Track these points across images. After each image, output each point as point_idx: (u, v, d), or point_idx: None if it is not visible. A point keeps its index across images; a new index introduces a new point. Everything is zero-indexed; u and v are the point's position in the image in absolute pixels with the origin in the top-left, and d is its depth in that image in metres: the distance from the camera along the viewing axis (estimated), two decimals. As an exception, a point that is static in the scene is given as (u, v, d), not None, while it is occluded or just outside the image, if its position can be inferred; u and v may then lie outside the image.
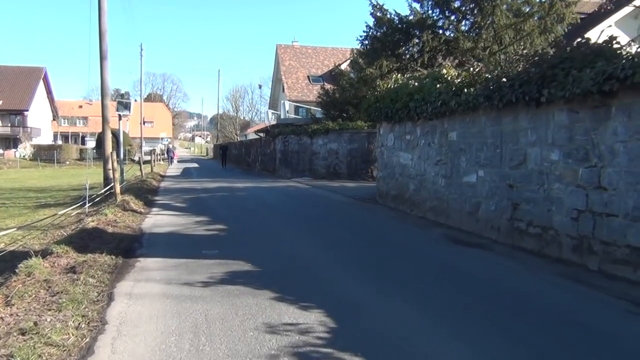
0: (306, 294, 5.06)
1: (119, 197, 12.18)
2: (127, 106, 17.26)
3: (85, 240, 7.84)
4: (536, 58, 7.18)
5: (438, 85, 9.63)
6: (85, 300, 4.77)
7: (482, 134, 8.51)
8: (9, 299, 4.83)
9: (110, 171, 16.47)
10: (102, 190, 14.06)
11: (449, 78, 9.60)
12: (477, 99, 8.19)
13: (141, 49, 52.56)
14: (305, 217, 10.96)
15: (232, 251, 7.18)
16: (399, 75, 12.41)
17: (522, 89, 7.11)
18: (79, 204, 12.81)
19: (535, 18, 13.51)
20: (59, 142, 71.86)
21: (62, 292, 5.00)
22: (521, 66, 7.64)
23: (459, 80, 9.15)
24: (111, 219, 9.59)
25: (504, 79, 7.62)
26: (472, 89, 8.50)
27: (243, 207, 12.63)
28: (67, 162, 54.25)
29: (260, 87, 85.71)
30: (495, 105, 7.71)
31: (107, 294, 5.12)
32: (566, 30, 14.12)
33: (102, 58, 16.38)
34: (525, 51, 8.63)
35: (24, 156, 57.73)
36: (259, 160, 32.81)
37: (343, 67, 46.63)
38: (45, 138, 69.13)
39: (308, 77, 47.30)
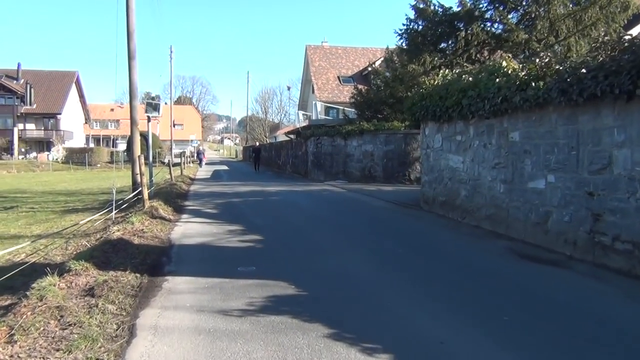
0: (367, 328, 4.14)
1: (147, 203, 11.48)
2: (156, 108, 16.61)
3: (108, 254, 7.07)
4: (626, 44, 6.10)
5: (497, 80, 8.59)
6: (101, 337, 3.94)
7: (552, 133, 7.43)
8: (12, 332, 4.04)
9: (138, 175, 15.88)
10: (130, 195, 13.40)
11: (509, 71, 8.55)
12: (549, 94, 7.13)
13: (171, 51, 52.52)
14: (346, 226, 10.03)
15: (270, 268, 6.31)
16: (447, 70, 11.38)
17: (608, 81, 6.04)
18: (105, 210, 12.19)
19: (597, 7, 12.31)
20: (91, 145, 72.73)
21: (75, 324, 4.19)
22: (603, 55, 6.56)
23: (523, 73, 8.08)
24: (138, 228, 8.84)
25: (583, 70, 6.55)
26: (540, 83, 7.44)
27: (278, 214, 11.79)
28: (99, 165, 54.57)
29: (289, 88, 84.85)
30: (574, 100, 6.64)
31: (128, 326, 4.28)
32: (629, 18, 12.87)
33: (130, 58, 15.78)
34: (606, 38, 7.51)
35: (56, 159, 58.32)
36: (289, 163, 32.04)
37: (375, 66, 45.79)
38: (78, 141, 69.95)
39: (338, 77, 46.44)
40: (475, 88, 9.14)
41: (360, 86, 28.25)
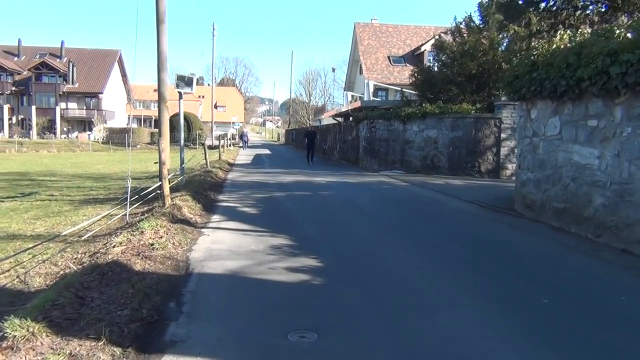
0: None
1: (168, 201, 8.99)
2: (188, 82, 14.15)
3: (90, 292, 4.57)
4: None
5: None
6: None
7: None
8: None
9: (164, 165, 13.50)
10: (154, 186, 11.00)
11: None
12: None
13: (213, 29, 50.37)
14: (433, 244, 7.22)
15: (342, 335, 3.69)
16: (567, 32, 8.38)
17: None
18: (126, 203, 9.86)
19: None
20: (134, 125, 71.81)
21: None
22: None
23: None
24: (146, 242, 6.32)
25: None
26: None
27: (334, 219, 9.10)
28: (138, 146, 53.13)
29: (333, 70, 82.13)
30: None
31: None
32: None
33: (159, 21, 13.29)
34: None
35: (97, 139, 57.36)
36: (337, 149, 29.29)
37: (426, 47, 42.37)
38: (119, 121, 69.08)
39: (388, 57, 43.37)
40: (638, 49, 6.14)
41: (420, 64, 25.11)
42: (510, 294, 4.85)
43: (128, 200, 9.21)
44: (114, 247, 6.14)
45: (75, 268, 5.76)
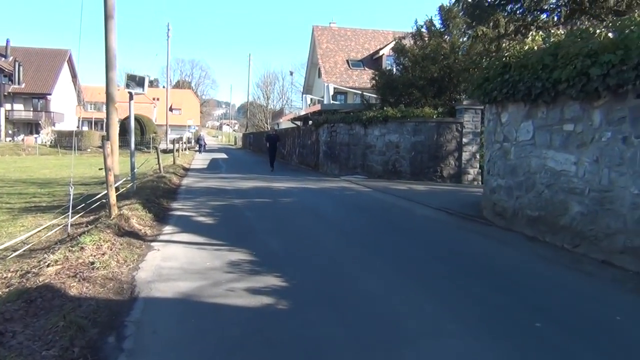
0: None
1: (115, 210, 8.16)
2: (140, 82, 13.23)
3: (12, 325, 3.82)
4: None
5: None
6: None
7: None
8: None
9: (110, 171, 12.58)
10: (101, 194, 10.11)
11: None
12: None
13: (168, 29, 49.10)
14: (403, 255, 6.71)
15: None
16: (540, 33, 8.06)
17: None
18: (70, 212, 8.98)
19: None
20: (85, 128, 69.17)
21: None
22: None
23: None
24: (87, 259, 5.54)
25: None
26: None
27: (297, 229, 8.49)
28: (89, 150, 51.03)
29: (291, 73, 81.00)
30: None
31: None
32: None
33: (108, 17, 12.43)
34: None
35: (44, 142, 54.79)
36: (296, 153, 28.68)
37: (385, 51, 42.41)
38: (69, 124, 66.36)
39: (347, 61, 43.28)
40: (619, 49, 5.81)
41: (380, 68, 24.79)
42: (497, 316, 4.35)
43: (70, 210, 8.33)
44: (48, 266, 5.34)
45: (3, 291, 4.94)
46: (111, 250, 6.17)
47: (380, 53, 42.20)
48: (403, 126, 18.43)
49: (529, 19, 11.33)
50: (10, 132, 59.40)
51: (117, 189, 12.56)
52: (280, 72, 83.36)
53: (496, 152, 9.04)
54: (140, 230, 7.83)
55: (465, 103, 18.07)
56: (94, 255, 5.76)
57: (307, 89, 48.87)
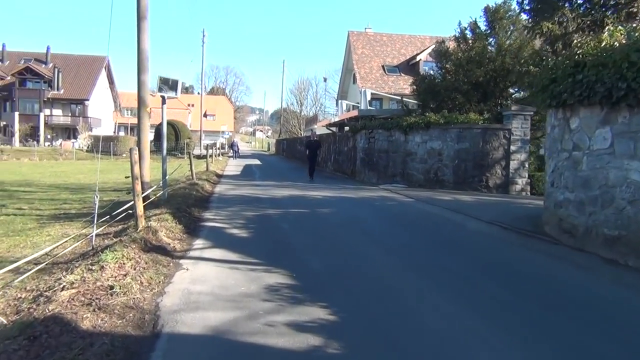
0: None
1: (142, 222, 7.49)
2: (173, 86, 12.70)
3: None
4: None
5: None
6: None
7: None
8: None
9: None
10: (130, 203, 9.50)
11: None
12: None
13: (203, 35, 49.13)
14: (464, 279, 5.80)
15: None
16: (618, 27, 7.08)
17: None
18: (101, 221, 8.42)
19: None
20: (122, 133, 70.00)
21: None
22: None
23: None
24: (105, 282, 4.86)
25: None
26: None
27: (340, 245, 7.66)
28: (124, 155, 51.36)
29: (325, 80, 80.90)
30: None
31: None
32: None
33: (140, 18, 11.89)
34: None
35: (81, 147, 55.53)
36: (331, 160, 27.89)
37: (422, 56, 41.37)
38: (106, 129, 67.33)
39: (383, 67, 42.43)
40: None
41: (416, 74, 23.84)
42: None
43: (94, 220, 7.73)
44: (62, 289, 4.68)
45: (4, 321, 4.27)
46: (135, 269, 5.48)
47: (417, 58, 41.23)
48: (446, 133, 17.45)
49: (598, 15, 10.25)
50: (49, 137, 60.56)
51: (147, 197, 12.03)
52: (314, 78, 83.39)
53: (563, 162, 8.04)
54: (169, 244, 7.14)
55: (514, 108, 16.99)
56: (115, 277, 5.07)
57: (342, 95, 48.17)
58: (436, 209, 12.09)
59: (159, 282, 5.28)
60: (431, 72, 21.85)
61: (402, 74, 41.67)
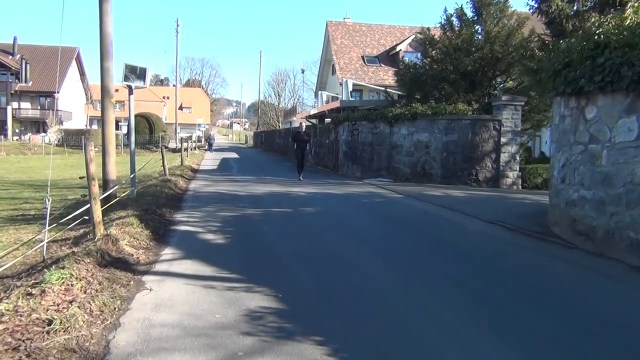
0: None
1: (100, 231, 6.42)
2: (141, 75, 11.52)
3: None
4: None
5: None
6: None
7: None
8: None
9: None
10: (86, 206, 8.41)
11: None
12: None
13: (177, 25, 47.61)
14: (479, 297, 4.93)
15: None
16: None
17: None
18: (54, 225, 7.36)
19: None
20: (94, 126, 67.93)
21: None
22: None
23: None
24: (43, 314, 3.83)
25: None
26: None
27: (330, 253, 6.70)
28: (96, 149, 49.47)
29: (303, 71, 79.31)
30: None
31: None
32: None
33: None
34: None
35: (51, 141, 53.50)
36: (312, 153, 26.88)
37: (402, 46, 40.57)
38: (77, 122, 65.23)
39: (362, 57, 41.54)
40: None
41: (406, 59, 22.93)
42: None
43: (46, 227, 6.65)
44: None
45: None
46: (85, 292, 4.46)
47: (398, 49, 40.40)
48: (434, 124, 16.61)
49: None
50: (17, 130, 58.33)
51: (113, 195, 10.92)
52: (291, 70, 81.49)
53: (577, 156, 7.21)
54: (132, 255, 6.11)
55: (504, 98, 16.22)
56: (57, 305, 4.05)
57: (321, 86, 47.15)
58: (429, 206, 11.24)
59: (114, 309, 4.27)
60: (415, 61, 20.94)
61: (382, 65, 40.88)
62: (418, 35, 40.84)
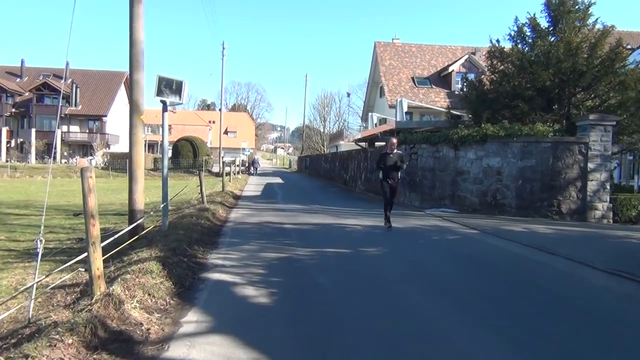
0: None
1: (100, 288, 4.65)
2: (177, 89, 9.95)
3: None
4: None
5: None
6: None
7: None
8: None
9: (137, 200, 9.33)
10: (111, 239, 6.77)
11: None
12: None
13: (223, 48, 46.99)
14: None
15: None
16: None
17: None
18: (64, 266, 5.70)
19: None
20: (140, 150, 68.11)
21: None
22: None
23: None
24: None
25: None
26: None
27: (415, 322, 4.75)
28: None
29: (348, 95, 78.39)
30: None
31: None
32: None
33: (134, 1, 9.30)
34: None
35: (97, 164, 53.63)
36: (361, 179, 24.99)
37: (455, 67, 38.55)
38: (124, 146, 65.51)
39: (412, 78, 39.79)
40: None
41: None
42: None
43: (35, 277, 4.99)
44: None
45: None
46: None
47: (450, 69, 38.49)
48: (507, 147, 14.48)
49: None
50: (65, 153, 58.92)
51: (141, 227, 9.35)
52: (337, 93, 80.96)
53: None
54: (141, 325, 4.33)
55: (592, 117, 13.96)
56: None
57: (368, 109, 45.46)
58: (518, 247, 9.10)
59: None
60: (479, 77, 18.86)
61: (433, 86, 39.01)
62: (472, 55, 39.26)
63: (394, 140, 11.11)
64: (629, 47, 17.74)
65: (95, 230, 4.58)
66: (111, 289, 4.62)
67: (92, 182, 4.59)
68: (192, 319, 4.69)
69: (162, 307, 4.98)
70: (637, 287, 6.23)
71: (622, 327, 4.73)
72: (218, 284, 6.01)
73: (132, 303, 4.67)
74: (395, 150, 11.35)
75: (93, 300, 4.49)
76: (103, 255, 7.18)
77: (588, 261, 7.65)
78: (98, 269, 4.61)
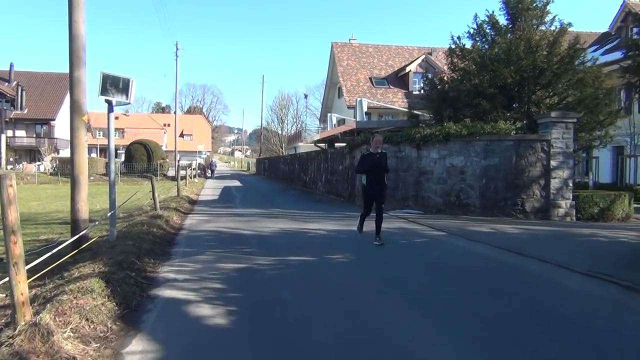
0: None
1: (25, 315, 3.92)
2: (123, 88, 9.12)
3: None
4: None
5: None
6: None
7: None
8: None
9: (79, 209, 8.51)
10: (57, 249, 5.97)
11: None
12: None
13: (177, 48, 45.78)
14: None
15: None
16: None
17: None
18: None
19: None
20: (93, 154, 65.71)
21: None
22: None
23: None
24: None
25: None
26: None
27: (392, 344, 4.24)
28: (92, 178, 47.24)
29: (306, 96, 77.46)
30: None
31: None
32: None
33: (73, -11, 8.47)
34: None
35: (46, 170, 51.25)
36: (322, 180, 24.49)
37: (412, 67, 38.65)
38: (74, 151, 62.95)
39: (370, 79, 39.74)
40: None
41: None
42: None
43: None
44: None
45: None
46: None
47: (407, 69, 38.58)
48: (470, 146, 14.25)
49: None
50: (11, 159, 56.08)
51: (85, 238, 8.55)
52: (294, 94, 79.92)
53: None
54: (74, 358, 3.65)
55: (554, 115, 13.87)
56: None
57: (326, 110, 45.12)
58: (489, 249, 8.76)
59: None
60: (440, 75, 18.66)
61: (391, 86, 39.03)
62: (428, 55, 39.42)
63: (380, 138, 9.52)
64: (586, 45, 17.85)
65: (18, 249, 3.86)
66: (38, 317, 3.90)
67: (13, 192, 3.86)
68: (136, 348, 4.02)
69: (101, 334, 4.29)
70: (620, 291, 5.91)
71: (621, 340, 4.33)
72: (169, 303, 5.34)
73: (65, 332, 3.97)
74: (379, 151, 9.74)
75: (16, 332, 3.76)
76: (41, 271, 6.40)
77: (563, 263, 7.35)
78: (22, 294, 3.88)
